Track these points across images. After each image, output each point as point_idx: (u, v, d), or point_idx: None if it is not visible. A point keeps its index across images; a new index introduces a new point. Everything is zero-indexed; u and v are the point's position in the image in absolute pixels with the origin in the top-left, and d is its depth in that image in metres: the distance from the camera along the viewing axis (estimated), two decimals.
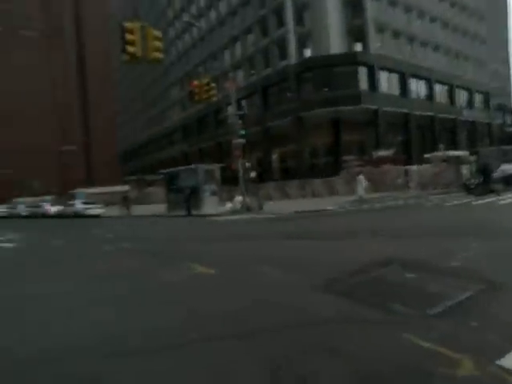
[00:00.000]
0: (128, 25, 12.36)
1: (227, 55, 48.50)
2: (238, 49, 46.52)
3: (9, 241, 15.64)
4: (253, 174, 31.01)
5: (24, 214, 42.73)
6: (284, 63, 39.25)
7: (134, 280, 6.64)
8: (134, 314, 4.65)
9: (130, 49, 12.18)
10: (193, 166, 27.74)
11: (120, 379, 2.94)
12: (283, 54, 39.44)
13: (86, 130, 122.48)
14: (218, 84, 24.68)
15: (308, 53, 38.41)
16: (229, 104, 24.67)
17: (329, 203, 21.02)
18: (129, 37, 12.15)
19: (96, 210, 32.42)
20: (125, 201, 30.89)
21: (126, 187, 50.63)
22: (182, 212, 23.52)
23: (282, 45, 39.41)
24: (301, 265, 6.62)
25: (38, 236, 18.02)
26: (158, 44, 12.91)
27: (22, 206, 45.61)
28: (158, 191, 42.30)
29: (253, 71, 44.18)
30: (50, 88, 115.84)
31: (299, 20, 38.65)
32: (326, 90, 36.22)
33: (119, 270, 7.76)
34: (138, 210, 30.52)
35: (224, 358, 3.11)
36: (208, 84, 19.63)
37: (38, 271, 8.43)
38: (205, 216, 21.54)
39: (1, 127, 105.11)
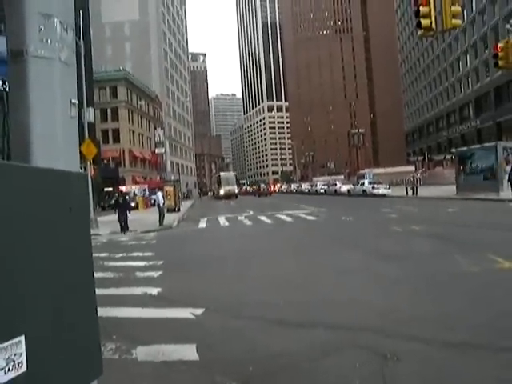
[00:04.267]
0: None
1: None
2: None
3: (310, 214, 18.73)
4: None
5: (321, 190, 49.31)
6: None
7: (426, 264, 6.91)
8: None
9: (425, 21, 11.45)
10: (491, 144, 24.67)
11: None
12: None
13: (373, 113, 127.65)
14: None
15: None
16: None
17: None
18: (423, 9, 11.47)
19: (382, 189, 33.62)
20: (411, 182, 30.75)
21: (411, 167, 50.14)
22: (476, 195, 21.52)
23: None
24: None
25: (332, 211, 20.05)
26: (456, 8, 11.74)
27: (320, 183, 53.06)
28: (446, 172, 39.84)
29: None
30: (342, 79, 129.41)
31: None
32: None
33: (411, 251, 8.17)
34: (424, 191, 29.82)
35: None
36: None
37: (335, 245, 9.92)
38: (504, 201, 19.00)
39: (308, 116, 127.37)
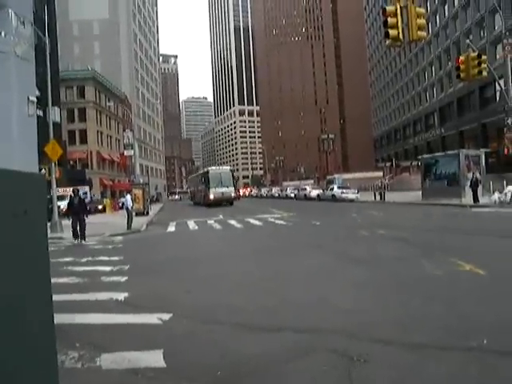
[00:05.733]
0: (389, 8, 12.20)
1: (498, 19, 41.57)
2: None
3: (280, 218, 18.85)
4: None
5: (291, 195, 49.73)
6: None
7: (392, 267, 7.09)
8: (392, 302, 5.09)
9: (393, 32, 11.92)
10: (454, 152, 25.69)
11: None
12: None
13: (343, 119, 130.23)
14: (486, 56, 21.83)
15: None
16: (500, 78, 21.43)
17: None
18: (390, 20, 11.94)
19: (351, 194, 34.27)
20: (379, 187, 31.52)
21: (379, 173, 51.42)
22: (440, 200, 22.31)
23: None
24: None
25: (301, 216, 20.12)
26: (421, 22, 12.34)
27: (290, 188, 53.54)
28: (413, 178, 41.06)
29: None
30: (313, 85, 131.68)
31: None
32: None
33: (377, 255, 8.36)
34: (392, 196, 30.63)
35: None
36: (479, 56, 17.67)
37: (303, 249, 10.02)
38: (465, 206, 19.82)
39: (279, 121, 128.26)
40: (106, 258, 9.67)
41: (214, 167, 44.06)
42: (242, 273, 7.26)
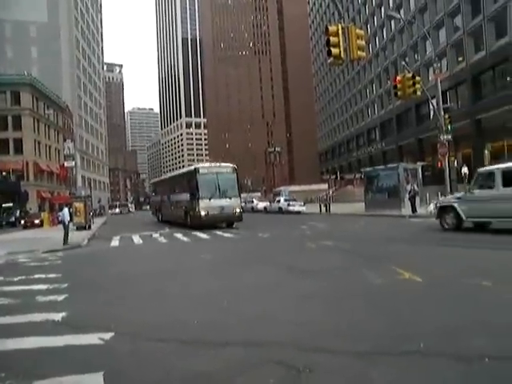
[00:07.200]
0: (331, 27, 12.71)
1: (429, 45, 44.97)
2: (443, 35, 42.54)
3: (226, 231, 18.76)
4: (465, 170, 28.25)
5: None
6: (502, 42, 33.90)
7: (337, 278, 7.28)
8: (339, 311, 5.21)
9: (335, 50, 12.44)
10: (393, 165, 27.16)
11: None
12: (500, 32, 34.06)
13: (289, 132, 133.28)
14: (420, 77, 23.45)
15: None
16: (432, 97, 23.05)
17: None
18: (333, 39, 12.46)
19: (297, 207, 34.90)
20: (324, 199, 32.43)
21: (324, 185, 52.98)
22: (382, 212, 23.42)
23: (499, 20, 34.08)
24: None
25: (249, 229, 20.00)
26: (361, 43, 12.99)
27: None
28: (356, 190, 42.68)
29: (460, 58, 39.74)
30: (260, 99, 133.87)
31: None
32: None
33: (323, 266, 8.55)
34: (337, 208, 31.61)
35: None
36: (413, 77, 18.92)
37: (250, 262, 10.03)
38: (404, 217, 20.98)
39: (226, 133, 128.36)
40: (42, 276, 9.05)
41: (204, 164, 25.85)
42: (188, 288, 7.10)
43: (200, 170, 21.18)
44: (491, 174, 12.07)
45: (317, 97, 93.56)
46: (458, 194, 14.14)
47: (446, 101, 31.91)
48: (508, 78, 33.43)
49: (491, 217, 12.25)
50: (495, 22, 34.76)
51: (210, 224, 20.53)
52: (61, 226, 17.57)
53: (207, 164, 24.20)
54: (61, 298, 6.68)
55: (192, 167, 22.42)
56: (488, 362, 3.32)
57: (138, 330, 4.76)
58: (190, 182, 21.55)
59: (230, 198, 20.82)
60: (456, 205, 13.24)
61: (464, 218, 12.92)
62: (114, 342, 4.38)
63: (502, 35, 33.94)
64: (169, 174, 33.43)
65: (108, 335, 4.53)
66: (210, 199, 20.25)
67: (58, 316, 5.48)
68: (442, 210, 14.03)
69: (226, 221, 21.59)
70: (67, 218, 17.30)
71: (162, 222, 29.11)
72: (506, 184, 11.44)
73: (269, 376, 3.30)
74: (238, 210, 21.24)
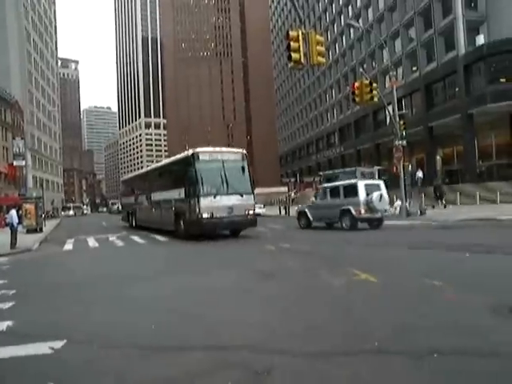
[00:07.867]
0: (292, 33, 12.96)
1: (386, 54, 46.79)
2: (398, 45, 44.40)
3: None
4: (419, 174, 29.48)
5: None
6: (450, 55, 35.92)
7: (298, 281, 7.36)
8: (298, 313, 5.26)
9: (295, 55, 12.71)
10: (351, 169, 27.87)
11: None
12: (449, 46, 36.09)
13: (250, 135, 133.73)
14: (377, 84, 24.29)
15: (481, 40, 34.27)
16: (388, 104, 23.91)
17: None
18: (293, 44, 12.72)
19: (257, 209, 34.87)
20: (284, 201, 32.80)
21: (285, 188, 53.52)
22: None
23: (448, 35, 36.13)
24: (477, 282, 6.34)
25: None
26: (321, 49, 13.32)
27: None
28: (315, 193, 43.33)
29: (414, 68, 41.62)
30: (221, 101, 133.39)
31: (469, 4, 35.03)
32: (504, 80, 31.71)
33: (283, 269, 8.62)
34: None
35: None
36: (371, 84, 19.55)
37: (211, 265, 9.94)
38: None
39: (186, 135, 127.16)
40: None
41: (206, 148, 17.35)
42: (146, 292, 6.90)
43: (200, 156, 15.48)
44: (325, 189, 18.09)
45: (277, 100, 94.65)
46: (309, 202, 19.26)
47: (402, 108, 33.18)
48: (456, 89, 35.34)
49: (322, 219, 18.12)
50: (445, 37, 36.75)
51: (212, 231, 15.62)
52: (8, 229, 16.62)
53: (210, 148, 17.08)
54: (7, 305, 6.30)
55: (188, 152, 16.17)
56: (436, 357, 3.46)
57: (91, 337, 4.56)
58: (184, 173, 15.75)
59: (242, 195, 15.60)
60: (307, 210, 18.62)
61: (312, 219, 18.27)
62: (65, 350, 4.17)
63: (450, 48, 35.92)
64: (150, 167, 26.18)
65: (59, 344, 4.31)
66: (214, 196, 14.93)
67: (3, 325, 5.15)
68: (300, 214, 19.12)
69: (236, 227, 16.37)
70: (15, 220, 16.41)
71: (136, 228, 23.83)
72: (332, 196, 17.28)
73: (227, 379, 3.27)
74: (251, 212, 15.99)
